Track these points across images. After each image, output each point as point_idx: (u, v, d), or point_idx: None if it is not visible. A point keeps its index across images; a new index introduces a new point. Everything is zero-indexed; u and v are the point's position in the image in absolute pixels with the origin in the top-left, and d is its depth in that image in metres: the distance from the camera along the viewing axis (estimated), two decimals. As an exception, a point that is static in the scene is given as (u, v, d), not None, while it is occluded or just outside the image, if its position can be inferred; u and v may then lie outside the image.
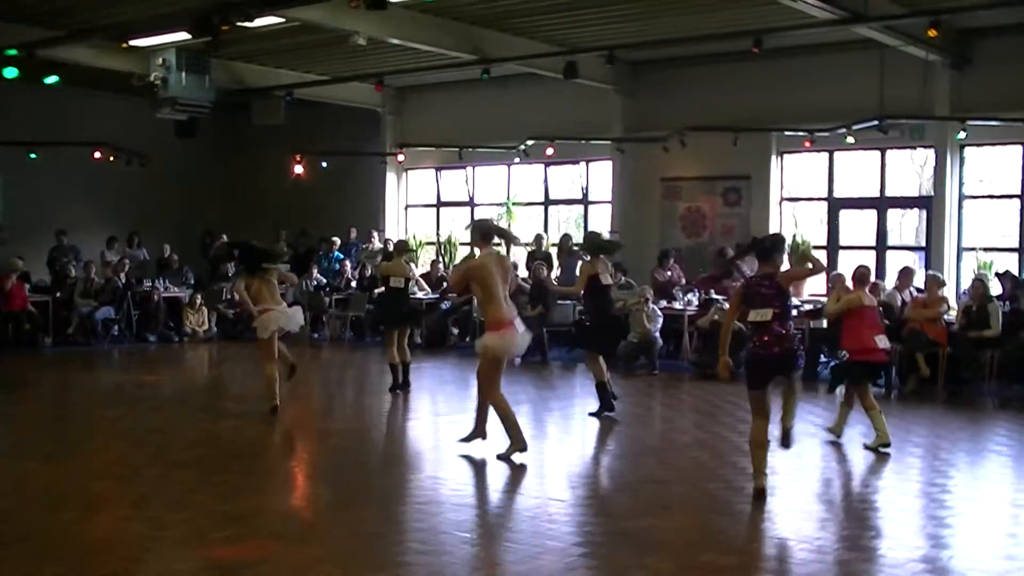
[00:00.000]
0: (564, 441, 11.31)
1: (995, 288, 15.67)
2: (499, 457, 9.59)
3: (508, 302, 9.73)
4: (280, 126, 22.53)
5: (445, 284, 20.31)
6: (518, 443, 9.61)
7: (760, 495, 8.15)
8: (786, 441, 8.65)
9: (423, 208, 24.94)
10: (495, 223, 10.58)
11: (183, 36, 15.62)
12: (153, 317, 20.68)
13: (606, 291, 12.53)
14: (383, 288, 14.56)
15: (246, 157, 25.44)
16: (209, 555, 6.80)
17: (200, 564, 6.65)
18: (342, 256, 23.03)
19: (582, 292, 12.63)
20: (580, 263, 12.71)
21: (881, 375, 12.27)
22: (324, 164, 23.39)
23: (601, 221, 21.61)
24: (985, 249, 17.60)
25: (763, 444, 8.27)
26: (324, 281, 22.24)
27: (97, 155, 21.56)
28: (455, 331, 19.79)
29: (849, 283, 11.85)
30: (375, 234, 23.38)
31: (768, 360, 8.27)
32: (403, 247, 14.76)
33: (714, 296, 17.00)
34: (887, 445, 10.17)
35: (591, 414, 12.16)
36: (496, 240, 10.01)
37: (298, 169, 23.41)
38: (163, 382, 15.81)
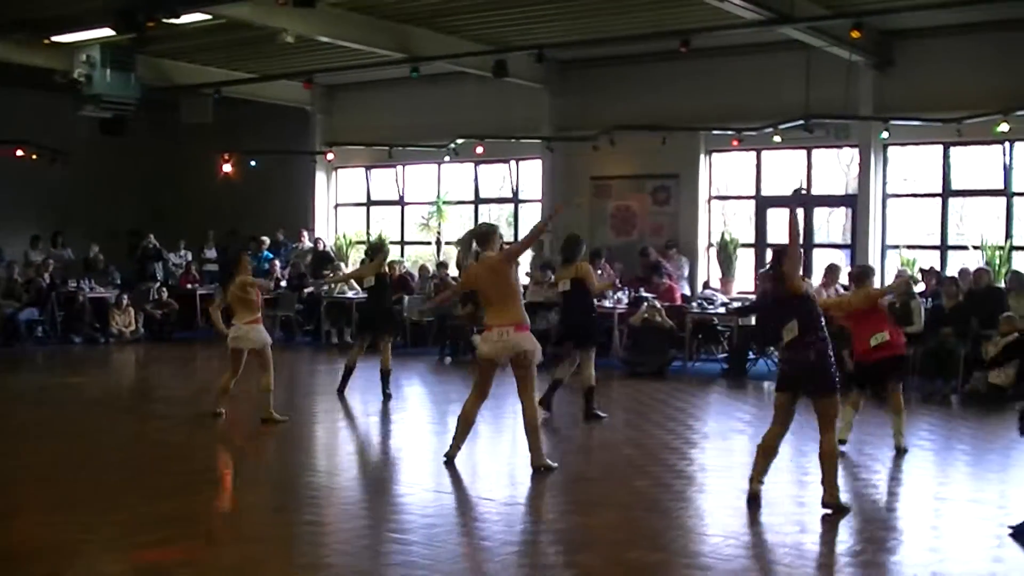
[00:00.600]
0: (495, 440, 11.31)
1: (919, 286, 15.93)
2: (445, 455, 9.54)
3: (502, 307, 9.26)
4: (208, 124, 22.26)
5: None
6: (453, 449, 9.54)
7: (751, 500, 8.07)
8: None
9: (353, 207, 24.81)
10: (480, 229, 10.23)
11: (108, 32, 15.42)
12: (78, 318, 20.38)
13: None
14: (365, 292, 14.26)
15: (174, 156, 25.11)
16: (137, 558, 6.71)
17: (128, 567, 6.58)
18: (271, 256, 22.87)
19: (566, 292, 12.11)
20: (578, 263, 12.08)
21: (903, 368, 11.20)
22: (253, 163, 23.21)
23: (531, 220, 21.67)
24: (909, 247, 17.89)
25: (768, 450, 8.17)
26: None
27: (19, 153, 21.20)
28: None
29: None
30: (305, 233, 23.26)
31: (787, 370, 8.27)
32: (379, 247, 14.53)
33: (644, 294, 17.13)
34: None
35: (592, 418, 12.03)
36: (485, 245, 9.67)
37: (227, 168, 23.22)
38: (90, 384, 15.58)
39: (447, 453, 9.48)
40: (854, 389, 10.59)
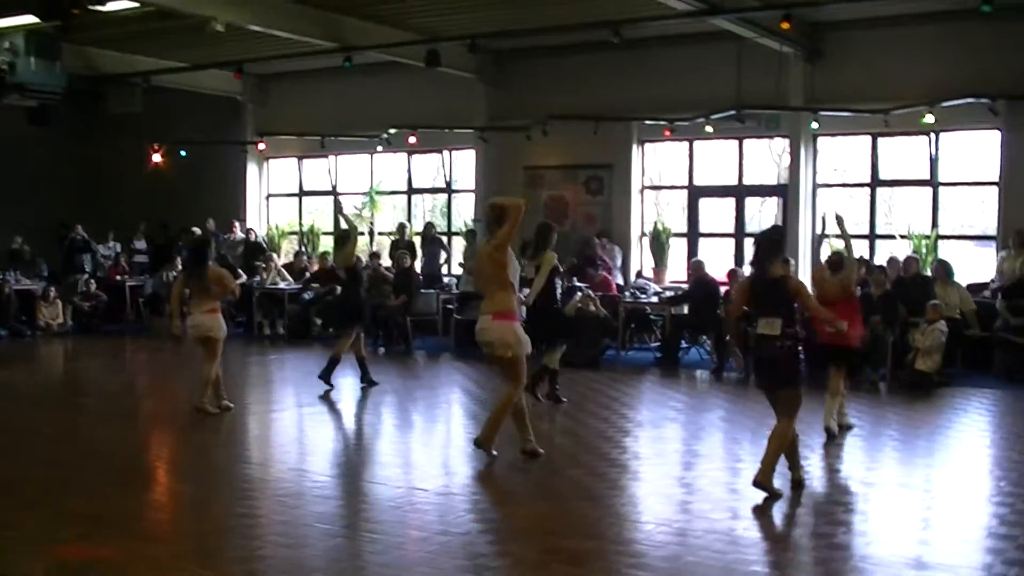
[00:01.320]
0: (428, 431, 11.29)
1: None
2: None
3: (492, 294, 9.08)
4: (137, 114, 21.98)
5: (308, 275, 20.15)
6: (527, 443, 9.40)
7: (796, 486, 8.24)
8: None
9: (285, 197, 24.62)
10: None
11: (31, 19, 15.13)
12: (4, 310, 19.99)
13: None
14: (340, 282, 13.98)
15: (102, 146, 24.72)
16: (60, 555, 6.61)
17: (50, 564, 6.47)
18: (203, 247, 22.58)
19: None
20: (546, 253, 11.80)
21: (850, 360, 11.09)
22: (183, 153, 22.92)
23: (465, 210, 21.67)
24: (838, 236, 18.03)
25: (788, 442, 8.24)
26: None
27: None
28: (319, 322, 19.55)
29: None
30: (236, 224, 23.03)
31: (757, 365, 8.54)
32: (346, 237, 14.02)
33: (577, 284, 17.15)
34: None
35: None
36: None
37: (156, 158, 22.92)
38: (16, 377, 15.32)
39: (523, 449, 9.31)
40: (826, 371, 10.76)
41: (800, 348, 8.19)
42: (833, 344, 10.47)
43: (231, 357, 17.25)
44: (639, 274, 19.23)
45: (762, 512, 7.88)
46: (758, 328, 8.20)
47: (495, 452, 9.21)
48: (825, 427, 10.35)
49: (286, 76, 22.93)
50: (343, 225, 14.55)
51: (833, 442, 10.17)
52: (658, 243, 19.13)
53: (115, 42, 19.88)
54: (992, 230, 17.01)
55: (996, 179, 16.75)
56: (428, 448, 10.37)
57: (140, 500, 8.23)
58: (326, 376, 13.12)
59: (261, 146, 23.32)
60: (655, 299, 17.16)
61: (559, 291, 12.52)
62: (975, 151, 17.53)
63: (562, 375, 12.63)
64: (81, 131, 24.25)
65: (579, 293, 16.44)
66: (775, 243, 8.37)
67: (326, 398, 12.76)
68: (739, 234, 19.08)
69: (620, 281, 18.54)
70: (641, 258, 19.73)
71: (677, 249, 19.32)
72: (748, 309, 8.58)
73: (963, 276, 15.77)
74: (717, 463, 9.52)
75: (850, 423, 10.85)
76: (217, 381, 11.60)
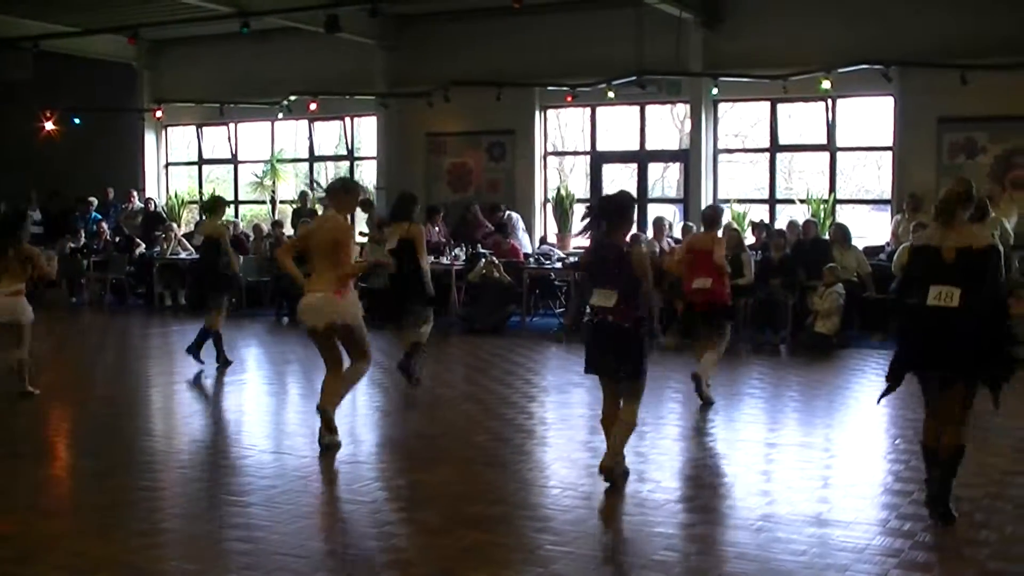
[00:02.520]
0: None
1: (749, 238, 16.37)
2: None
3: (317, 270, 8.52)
4: (27, 80, 21.38)
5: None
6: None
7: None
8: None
9: (185, 166, 24.22)
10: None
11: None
12: None
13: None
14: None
15: (-9, 113, 24.05)
16: (-45, 533, 6.45)
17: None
18: (99, 217, 22.17)
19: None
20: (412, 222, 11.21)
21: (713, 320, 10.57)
22: (77, 121, 22.37)
23: (368, 177, 21.51)
24: (739, 201, 18.34)
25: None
26: (82, 243, 21.34)
27: None
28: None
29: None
30: (135, 193, 22.59)
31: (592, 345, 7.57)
32: (214, 204, 13.22)
33: (481, 251, 17.16)
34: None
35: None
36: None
37: (48, 126, 22.33)
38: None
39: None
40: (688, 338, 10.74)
41: (645, 330, 7.34)
42: (703, 303, 10.32)
43: (132, 329, 17.00)
44: (543, 240, 19.30)
45: (667, 475, 7.99)
46: (592, 298, 7.38)
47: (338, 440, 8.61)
48: (700, 394, 10.16)
49: (182, 42, 22.47)
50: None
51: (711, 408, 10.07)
52: (561, 209, 19.20)
53: (2, 5, 19.24)
54: (887, 194, 17.38)
55: (890, 144, 17.09)
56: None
57: (39, 475, 8.05)
58: (195, 351, 12.58)
59: (158, 114, 22.88)
60: (559, 265, 17.22)
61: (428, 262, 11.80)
62: (870, 117, 17.88)
63: (467, 341, 12.63)
64: (-33, 97, 23.52)
65: (483, 260, 16.46)
66: (624, 209, 7.44)
67: (222, 370, 12.54)
68: (642, 200, 19.20)
69: (528, 249, 18.48)
70: (545, 224, 19.80)
71: (580, 215, 19.38)
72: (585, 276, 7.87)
73: (860, 240, 16.10)
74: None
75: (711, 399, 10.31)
76: (19, 367, 10.71)
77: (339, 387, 8.67)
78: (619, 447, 7.41)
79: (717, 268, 10.31)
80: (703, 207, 17.66)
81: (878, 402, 7.03)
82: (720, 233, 10.87)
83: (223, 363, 12.66)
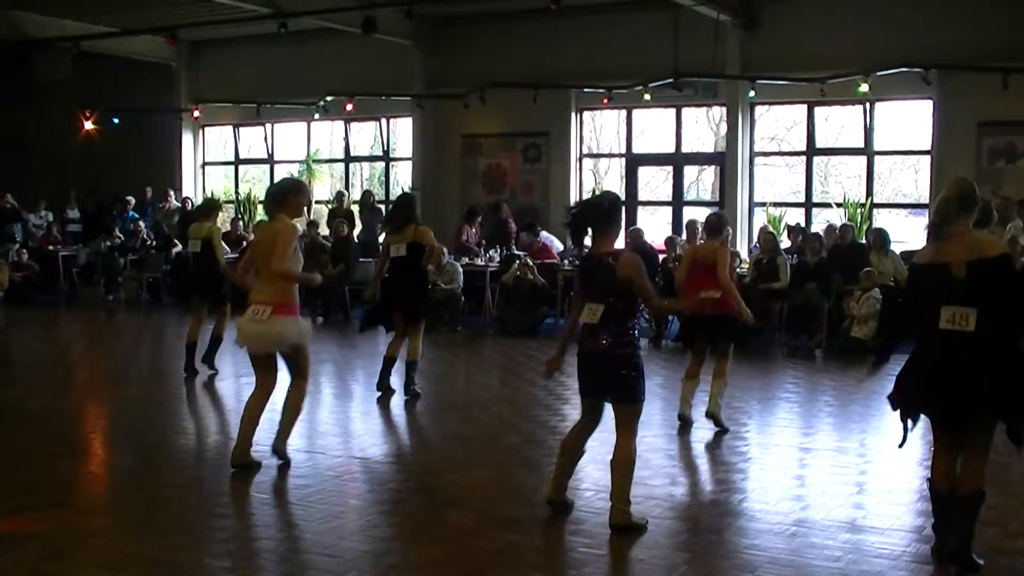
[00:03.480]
0: (367, 399, 11.21)
1: (784, 242, 16.32)
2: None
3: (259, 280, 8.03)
4: (66, 81, 21.56)
5: (245, 244, 19.91)
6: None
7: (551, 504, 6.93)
8: None
9: (221, 166, 24.37)
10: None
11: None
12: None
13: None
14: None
15: (29, 113, 24.23)
16: (-10, 527, 6.50)
17: (-19, 537, 6.36)
18: (136, 216, 22.33)
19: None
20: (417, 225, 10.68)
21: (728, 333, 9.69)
22: (115, 120, 22.54)
23: (404, 178, 21.57)
24: (776, 204, 18.26)
25: (568, 449, 7.01)
26: (120, 241, 21.50)
27: None
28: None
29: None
30: (171, 193, 22.74)
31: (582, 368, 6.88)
32: (211, 206, 12.74)
33: (515, 252, 17.16)
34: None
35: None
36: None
37: (88, 126, 22.51)
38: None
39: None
40: (688, 354, 9.90)
41: (636, 351, 6.55)
42: (712, 314, 9.29)
43: (168, 328, 17.09)
44: (577, 242, 19.22)
45: (701, 478, 7.95)
46: (582, 316, 6.66)
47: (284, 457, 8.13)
48: (707, 412, 9.41)
49: (220, 42, 22.63)
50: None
51: (688, 430, 9.38)
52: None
53: (42, 5, 19.45)
54: (925, 199, 17.24)
55: (929, 148, 16.96)
56: (367, 417, 10.31)
57: (75, 472, 8.11)
58: (210, 360, 12.35)
59: (196, 114, 23.02)
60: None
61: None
62: (909, 120, 17.76)
63: (501, 343, 12.61)
64: (8, 98, 23.77)
65: (517, 261, 16.46)
66: (610, 215, 6.62)
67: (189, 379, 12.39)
68: (677, 202, 19.18)
69: (559, 247, 18.30)
70: (580, 226, 19.72)
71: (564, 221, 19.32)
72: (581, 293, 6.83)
73: (898, 244, 15.98)
74: (655, 430, 9.55)
75: (719, 419, 9.45)
76: None
77: (289, 420, 8.15)
78: (618, 495, 6.50)
79: (723, 287, 9.32)
80: (737, 210, 17.71)
81: (900, 446, 6.14)
82: (725, 243, 9.71)
83: (189, 370, 12.19)
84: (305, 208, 10.13)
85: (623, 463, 6.53)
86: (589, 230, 6.60)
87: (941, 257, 5.66)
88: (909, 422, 5.96)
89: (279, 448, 8.03)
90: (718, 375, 9.48)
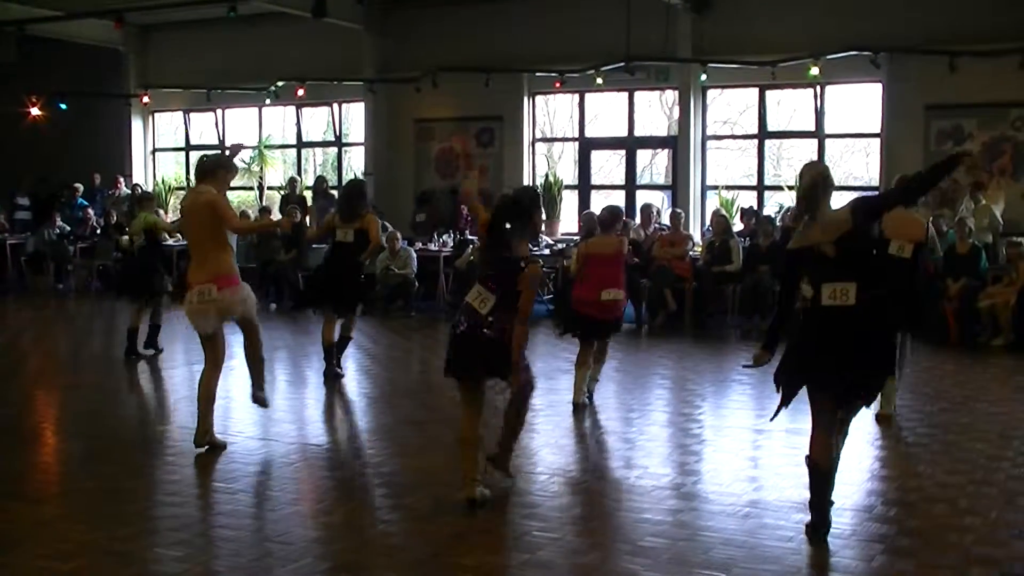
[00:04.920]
0: (321, 386, 11.18)
1: (737, 225, 16.41)
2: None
3: (197, 257, 8.07)
4: (12, 65, 21.24)
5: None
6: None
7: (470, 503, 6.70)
8: None
9: (172, 152, 24.13)
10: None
11: None
12: None
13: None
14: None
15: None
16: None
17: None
18: (86, 203, 22.08)
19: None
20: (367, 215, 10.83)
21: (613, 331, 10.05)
22: (63, 106, 22.23)
23: (356, 163, 21.47)
24: (728, 187, 18.35)
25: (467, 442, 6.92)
26: (68, 229, 21.25)
27: None
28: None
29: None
30: (121, 179, 22.50)
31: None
32: (145, 198, 13.17)
33: (468, 237, 17.14)
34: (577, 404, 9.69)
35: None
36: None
37: (34, 111, 22.21)
38: None
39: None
40: (580, 345, 9.83)
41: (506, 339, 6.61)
42: (610, 319, 9.65)
43: (119, 316, 16.91)
44: (531, 227, 19.24)
45: (656, 461, 7.99)
46: (468, 296, 6.78)
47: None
48: (574, 402, 9.61)
49: (169, 26, 22.38)
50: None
51: (583, 412, 9.52)
52: (550, 195, 19.16)
53: (-15, -11, 19.12)
54: (875, 181, 17.40)
55: (879, 131, 17.10)
56: (320, 404, 10.28)
57: (25, 461, 8.03)
58: (151, 342, 12.65)
59: (145, 99, 22.78)
60: (547, 252, 17.19)
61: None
62: (859, 104, 17.89)
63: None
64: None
65: (470, 247, 16.45)
66: (528, 213, 6.71)
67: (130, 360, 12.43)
68: (630, 186, 19.22)
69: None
70: (532, 211, 19.72)
71: (569, 201, 19.41)
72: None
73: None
74: (610, 413, 9.60)
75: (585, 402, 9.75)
76: None
77: (258, 368, 8.52)
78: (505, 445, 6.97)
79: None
80: (690, 193, 17.79)
81: (771, 420, 6.47)
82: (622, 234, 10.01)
83: (131, 354, 12.39)
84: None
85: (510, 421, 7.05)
86: (507, 225, 6.61)
87: (811, 239, 5.97)
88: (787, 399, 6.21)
89: (259, 395, 8.52)
90: (597, 363, 9.84)
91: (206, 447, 7.97)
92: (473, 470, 6.69)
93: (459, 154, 19.97)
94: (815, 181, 5.99)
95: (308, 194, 20.33)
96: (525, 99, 19.58)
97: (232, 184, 8.65)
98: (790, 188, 17.72)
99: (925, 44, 15.93)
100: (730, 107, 19.38)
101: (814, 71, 16.52)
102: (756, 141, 18.35)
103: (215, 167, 8.18)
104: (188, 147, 23.67)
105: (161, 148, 24.09)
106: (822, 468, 6.05)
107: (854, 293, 5.83)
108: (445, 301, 16.65)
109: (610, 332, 9.87)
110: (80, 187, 22.32)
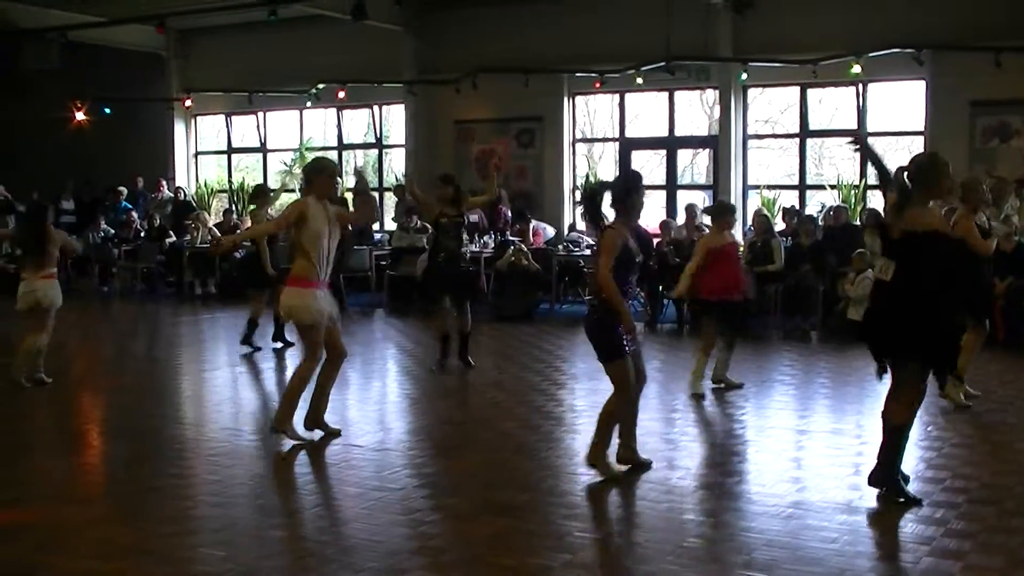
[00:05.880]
0: (364, 387, 11.22)
1: (779, 225, 16.29)
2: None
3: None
4: (56, 71, 21.42)
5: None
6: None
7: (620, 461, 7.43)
8: None
9: (214, 155, 24.30)
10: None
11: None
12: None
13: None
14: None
15: (19, 104, 24.03)
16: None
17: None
18: (129, 206, 22.26)
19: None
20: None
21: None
22: (107, 110, 22.44)
23: (397, 165, 21.52)
24: (769, 187, 18.23)
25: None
26: (111, 232, 21.44)
27: None
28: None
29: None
30: (164, 183, 22.68)
31: None
32: (261, 193, 13.53)
33: (510, 238, 17.14)
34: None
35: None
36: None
37: (78, 116, 22.42)
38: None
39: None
40: (704, 330, 10.40)
41: (605, 316, 7.16)
42: (716, 299, 10.17)
43: (162, 317, 17.06)
44: (572, 228, 19.22)
45: (697, 461, 7.95)
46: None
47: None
48: (693, 393, 9.96)
49: (210, 31, 22.52)
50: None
51: (701, 402, 9.85)
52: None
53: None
54: (919, 179, 17.20)
55: (922, 129, 16.93)
56: (363, 404, 10.31)
57: (70, 463, 8.10)
58: (247, 339, 12.84)
59: (187, 103, 22.95)
60: (588, 252, 17.14)
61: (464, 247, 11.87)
62: (902, 101, 17.72)
63: (496, 329, 12.60)
64: (-5, 88, 23.61)
65: (511, 247, 16.44)
66: (618, 195, 7.37)
67: (250, 358, 12.57)
68: (671, 186, 19.15)
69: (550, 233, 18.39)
70: (573, 211, 19.72)
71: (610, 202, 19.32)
72: None
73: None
74: (651, 413, 9.54)
75: (737, 381, 10.44)
76: (39, 353, 10.70)
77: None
78: (598, 440, 7.32)
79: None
80: (731, 193, 17.67)
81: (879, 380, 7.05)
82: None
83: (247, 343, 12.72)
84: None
85: (603, 417, 7.31)
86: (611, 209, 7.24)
87: (890, 222, 6.80)
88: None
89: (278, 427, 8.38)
90: (708, 351, 10.24)
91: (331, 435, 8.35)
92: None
93: (499, 155, 19.92)
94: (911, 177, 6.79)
95: (349, 196, 20.35)
96: (565, 99, 19.55)
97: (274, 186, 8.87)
98: (832, 187, 17.60)
99: (969, 40, 15.74)
100: (771, 106, 19.24)
101: (856, 69, 16.38)
102: (797, 140, 18.22)
103: (308, 173, 8.54)
104: (230, 150, 23.83)
105: (203, 151, 24.25)
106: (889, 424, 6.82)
107: (892, 271, 6.58)
108: (486, 302, 16.62)
109: (725, 313, 10.25)
110: (124, 191, 22.51)
